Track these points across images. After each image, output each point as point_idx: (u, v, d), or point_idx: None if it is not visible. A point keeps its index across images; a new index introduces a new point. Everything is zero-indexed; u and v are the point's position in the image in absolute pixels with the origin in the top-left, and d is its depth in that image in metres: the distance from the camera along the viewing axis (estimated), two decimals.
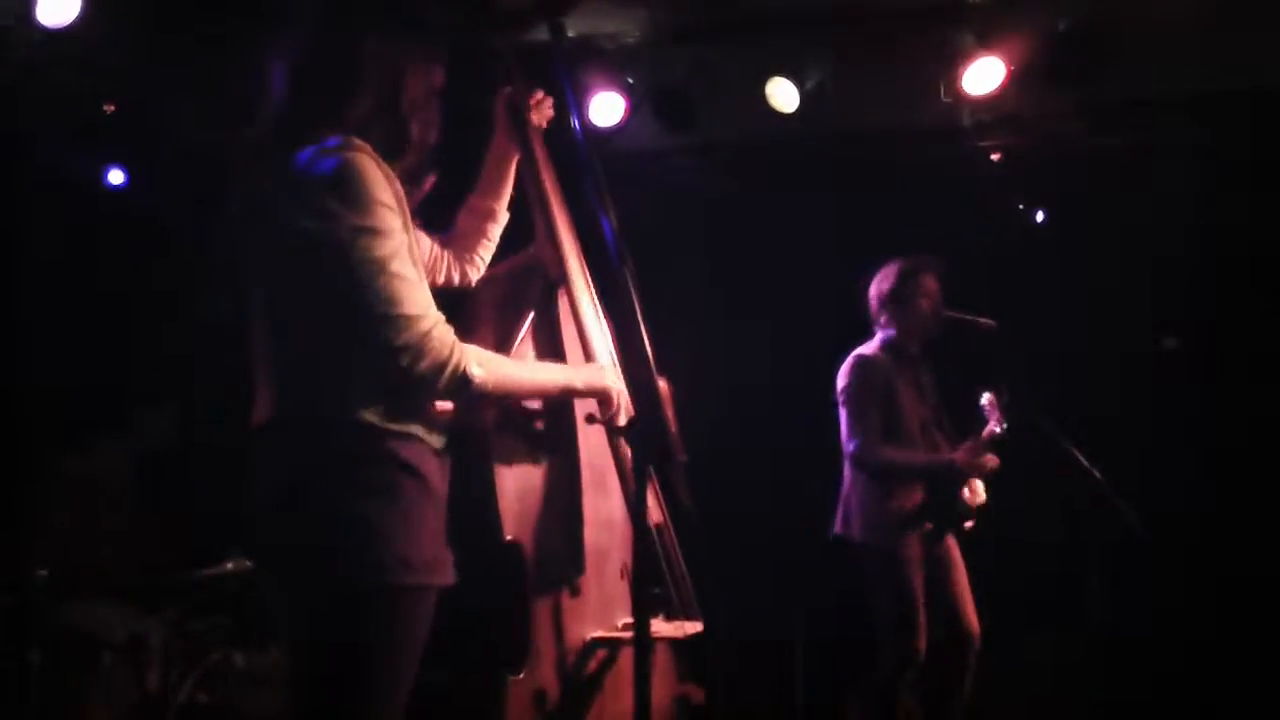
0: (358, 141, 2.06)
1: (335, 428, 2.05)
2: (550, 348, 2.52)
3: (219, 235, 2.23)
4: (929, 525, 4.26)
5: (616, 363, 2.59)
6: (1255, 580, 4.87)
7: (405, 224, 2.09)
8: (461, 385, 2.08)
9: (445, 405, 2.17)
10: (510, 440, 2.37)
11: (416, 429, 2.11)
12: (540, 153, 2.64)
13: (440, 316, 2.08)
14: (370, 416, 2.05)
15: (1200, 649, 4.85)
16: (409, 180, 2.21)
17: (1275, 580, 4.82)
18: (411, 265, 2.06)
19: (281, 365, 2.12)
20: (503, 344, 2.40)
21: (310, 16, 2.20)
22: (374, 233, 2.01)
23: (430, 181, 2.33)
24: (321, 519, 2.03)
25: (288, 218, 2.03)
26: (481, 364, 2.10)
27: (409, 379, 2.04)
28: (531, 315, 2.49)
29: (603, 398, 2.43)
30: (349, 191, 2.00)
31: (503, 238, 2.76)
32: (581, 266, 2.61)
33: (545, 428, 2.45)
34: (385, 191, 2.05)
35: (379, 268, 2.00)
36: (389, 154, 2.13)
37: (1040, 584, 4.86)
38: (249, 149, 2.18)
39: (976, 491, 4.33)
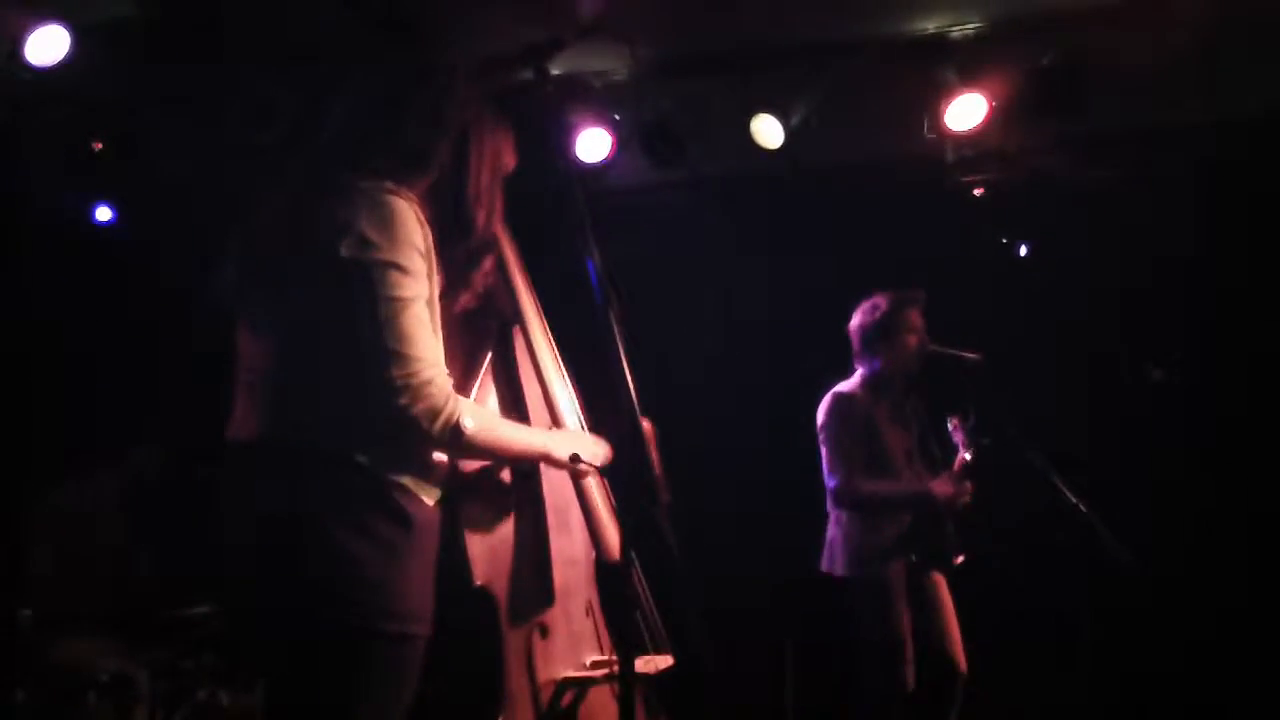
0: (408, 192, 2.12)
1: (333, 463, 2.05)
2: (508, 384, 2.55)
3: (228, 245, 2.23)
4: (913, 557, 4.26)
5: (571, 396, 2.61)
6: (1252, 614, 4.88)
7: (430, 273, 2.11)
8: (454, 436, 2.08)
9: (440, 458, 2.17)
10: (475, 484, 2.37)
11: (406, 480, 2.10)
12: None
13: (444, 369, 2.09)
14: (366, 459, 2.06)
15: (1197, 684, 4.85)
16: (468, 264, 2.29)
17: (1273, 613, 4.83)
18: (430, 315, 2.09)
19: (280, 389, 2.11)
20: (465, 380, 2.42)
21: (391, 68, 2.26)
22: (403, 271, 2.04)
23: (490, 264, 2.39)
24: (314, 558, 2.02)
25: (323, 243, 2.05)
26: (474, 417, 2.12)
27: (402, 420, 2.03)
28: (489, 354, 2.51)
29: (577, 469, 2.47)
30: (388, 228, 2.04)
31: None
32: (535, 304, 2.64)
33: (509, 470, 2.46)
34: (420, 237, 2.08)
35: (401, 305, 2.03)
36: (444, 234, 2.19)
37: (1032, 623, 4.86)
38: (287, 174, 2.21)
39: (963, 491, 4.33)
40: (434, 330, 2.10)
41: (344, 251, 2.02)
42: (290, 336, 2.11)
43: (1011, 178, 5.32)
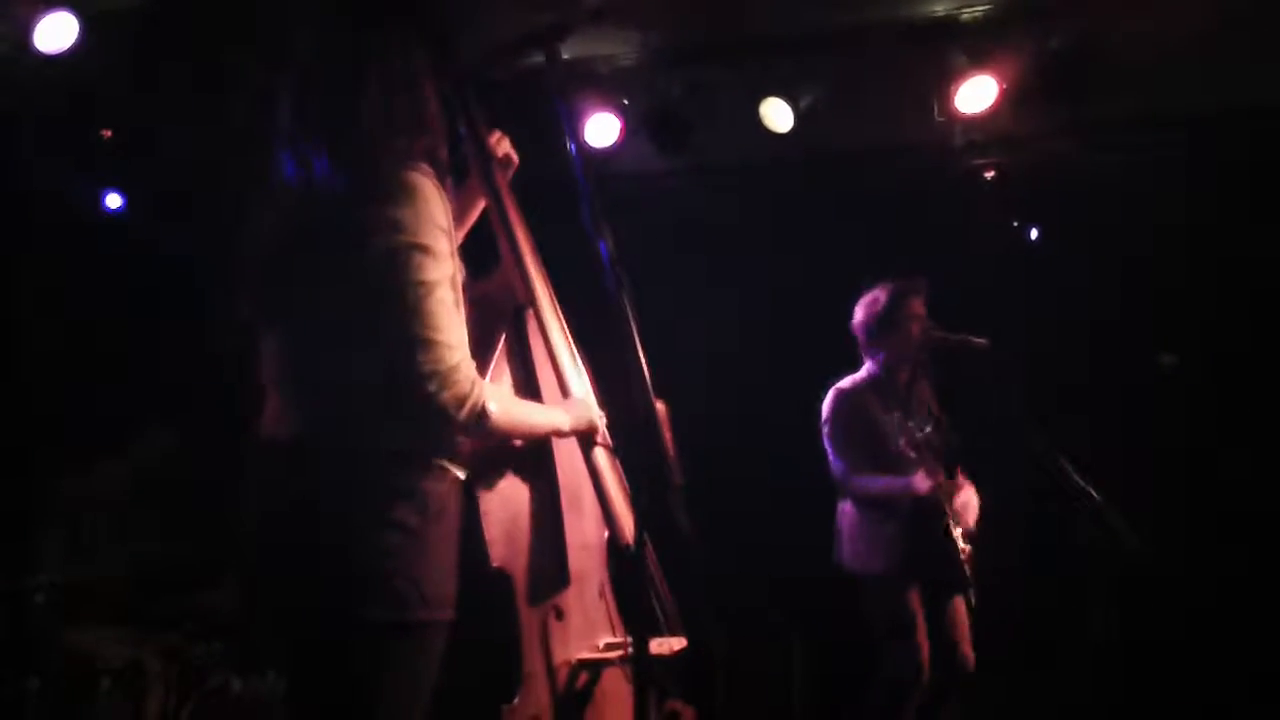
0: (422, 164, 2.09)
1: (365, 456, 2.05)
2: (522, 367, 2.55)
3: (241, 243, 2.20)
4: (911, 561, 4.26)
5: (584, 378, 2.63)
6: (1260, 601, 4.87)
7: (452, 251, 2.10)
8: (479, 420, 2.08)
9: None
10: (490, 467, 2.37)
11: (444, 461, 2.12)
12: (501, 181, 2.64)
13: (468, 353, 2.09)
14: (400, 445, 2.06)
15: (1206, 672, 4.85)
16: None
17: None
18: (454, 294, 2.08)
19: (309, 384, 2.10)
20: (481, 363, 2.40)
21: (328, 35, 2.21)
22: (428, 253, 2.02)
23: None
24: (345, 551, 2.02)
25: (348, 228, 2.03)
26: (497, 401, 2.12)
27: (429, 407, 2.03)
28: (504, 337, 2.51)
29: (588, 432, 2.50)
30: (410, 208, 2.02)
31: (473, 262, 2.75)
32: (547, 288, 2.63)
33: (524, 452, 2.47)
34: (443, 216, 2.07)
35: (427, 290, 2.01)
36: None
37: (1040, 611, 4.86)
38: (267, 163, 2.19)
39: (968, 515, 4.33)
40: (457, 309, 2.09)
41: (370, 235, 2.01)
42: (317, 329, 2.10)
43: (1022, 161, 5.31)
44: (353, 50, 2.15)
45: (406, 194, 2.03)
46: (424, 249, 2.02)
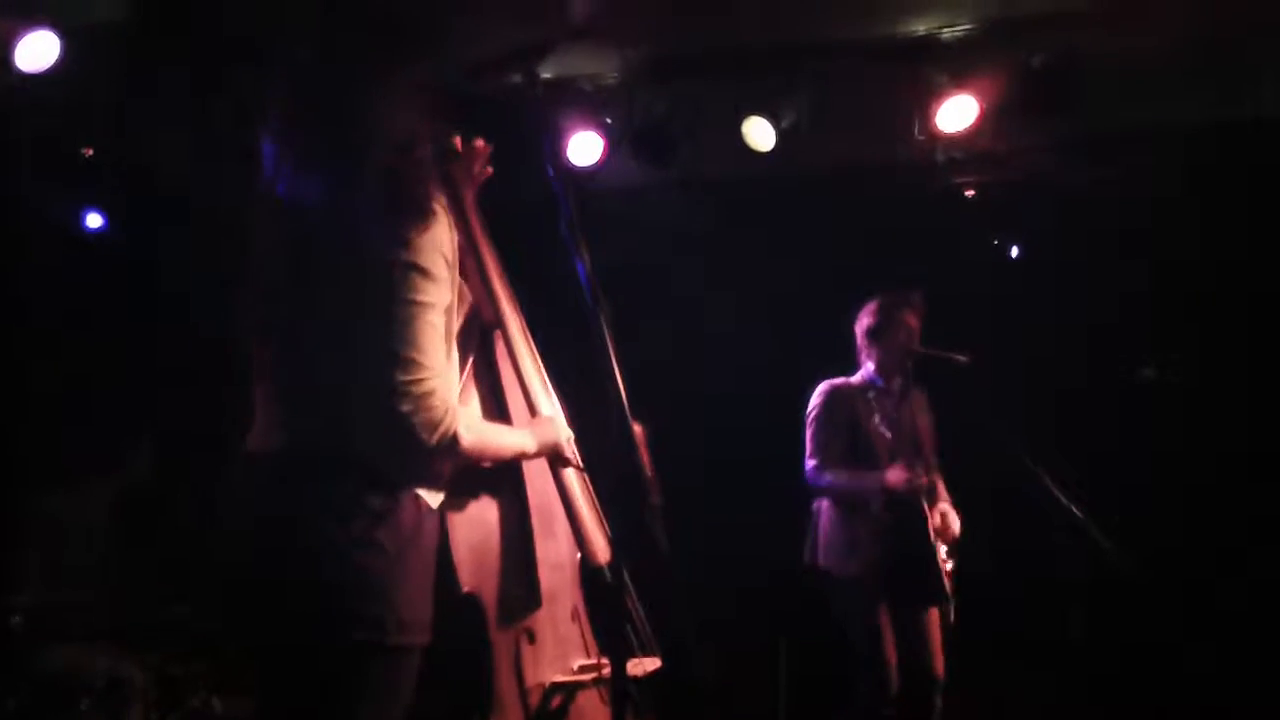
0: (437, 189, 2.11)
1: (350, 471, 2.04)
2: (490, 390, 2.54)
3: (240, 254, 2.20)
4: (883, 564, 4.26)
5: (553, 399, 2.62)
6: (1240, 614, 4.88)
7: (452, 281, 2.11)
8: (450, 446, 2.07)
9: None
10: (459, 489, 2.35)
11: (419, 488, 2.11)
12: (468, 198, 2.61)
13: (448, 379, 2.09)
14: (384, 464, 2.06)
15: (1187, 685, 4.85)
16: None
17: (1261, 612, 4.83)
18: (446, 322, 2.08)
19: (303, 395, 2.10)
20: None
21: (319, 60, 2.21)
22: (425, 275, 2.02)
23: None
24: (323, 571, 2.00)
25: (349, 241, 2.03)
26: (469, 428, 2.12)
27: (400, 426, 2.02)
28: (471, 359, 2.50)
29: (554, 452, 2.50)
30: (417, 228, 2.03)
31: None
32: (514, 308, 2.63)
33: (493, 474, 2.45)
34: (449, 243, 2.08)
35: (417, 310, 2.02)
36: None
37: (1020, 623, 4.86)
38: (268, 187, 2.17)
39: (949, 524, 4.33)
40: (448, 338, 2.10)
41: (374, 249, 2.01)
42: (315, 341, 2.09)
43: (1002, 179, 5.34)
44: (375, 68, 2.16)
45: (416, 214, 2.04)
46: (423, 271, 2.02)
